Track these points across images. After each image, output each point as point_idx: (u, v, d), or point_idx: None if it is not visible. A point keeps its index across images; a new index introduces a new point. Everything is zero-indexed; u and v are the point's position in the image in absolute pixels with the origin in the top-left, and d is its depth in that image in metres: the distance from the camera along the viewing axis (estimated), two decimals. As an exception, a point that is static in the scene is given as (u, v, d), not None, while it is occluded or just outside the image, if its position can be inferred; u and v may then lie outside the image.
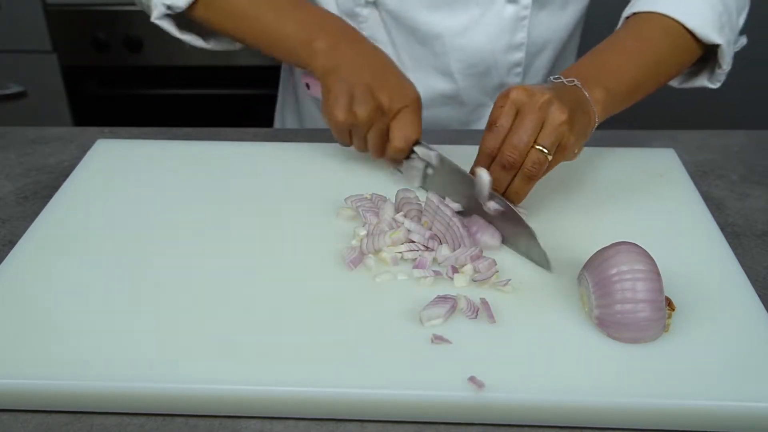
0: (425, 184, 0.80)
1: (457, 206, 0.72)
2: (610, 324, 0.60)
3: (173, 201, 0.78)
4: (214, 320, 0.62)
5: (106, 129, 0.97)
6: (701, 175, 0.88)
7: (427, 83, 1.00)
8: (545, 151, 0.68)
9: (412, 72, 0.99)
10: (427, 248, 0.70)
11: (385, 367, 0.57)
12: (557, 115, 0.68)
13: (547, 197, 0.76)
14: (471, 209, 0.72)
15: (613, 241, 0.62)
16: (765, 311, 0.63)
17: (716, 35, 0.81)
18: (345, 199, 0.76)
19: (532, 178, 0.69)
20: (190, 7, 0.84)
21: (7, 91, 1.74)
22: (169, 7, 0.85)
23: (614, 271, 0.60)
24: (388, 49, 0.98)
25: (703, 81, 0.88)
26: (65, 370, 0.57)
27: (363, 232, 0.71)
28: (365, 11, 0.96)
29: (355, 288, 0.66)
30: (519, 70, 0.99)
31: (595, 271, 0.61)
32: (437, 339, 0.60)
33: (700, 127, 1.02)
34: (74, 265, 0.68)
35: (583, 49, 1.08)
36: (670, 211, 0.77)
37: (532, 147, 0.68)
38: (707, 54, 0.85)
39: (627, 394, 0.55)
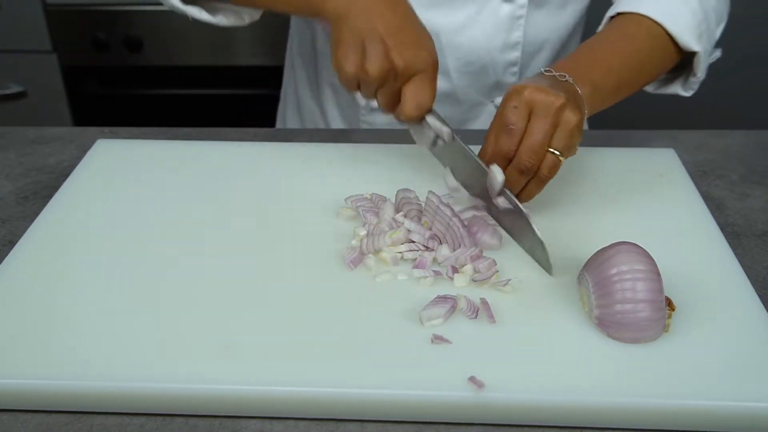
0: (434, 150, 0.77)
1: (455, 184, 0.72)
2: (610, 324, 0.60)
3: (173, 201, 0.78)
4: (214, 320, 0.62)
5: (106, 129, 0.97)
6: (701, 175, 0.88)
7: None
8: (558, 153, 0.68)
9: None
10: (427, 248, 0.70)
11: (385, 367, 0.57)
12: (571, 118, 0.68)
13: (547, 197, 0.76)
14: (472, 189, 0.73)
15: (613, 241, 0.62)
16: (765, 311, 0.63)
17: (695, 42, 0.81)
18: (345, 199, 0.76)
19: (545, 182, 0.70)
20: None
21: (7, 91, 1.74)
22: None
23: (614, 271, 0.60)
24: None
25: (677, 88, 0.89)
26: (65, 370, 0.57)
27: (363, 232, 0.71)
28: None
29: (355, 288, 0.66)
30: (515, 69, 0.99)
31: (595, 271, 0.61)
32: (437, 339, 0.60)
33: (700, 127, 1.02)
34: (74, 265, 0.68)
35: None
36: (670, 211, 0.77)
37: (547, 151, 0.68)
38: (683, 61, 0.85)
39: (627, 394, 0.55)
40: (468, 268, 0.67)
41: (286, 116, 1.15)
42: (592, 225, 0.74)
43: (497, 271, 0.66)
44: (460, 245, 0.68)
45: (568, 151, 0.69)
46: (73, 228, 0.74)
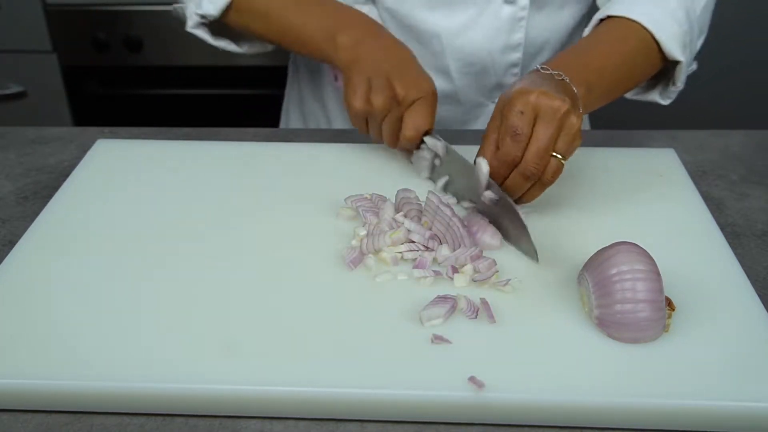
0: (433, 176, 0.81)
1: (452, 200, 0.74)
2: (610, 324, 0.60)
3: (173, 201, 0.78)
4: (214, 320, 0.62)
5: (106, 129, 0.97)
6: (701, 175, 0.88)
7: None
8: (560, 157, 0.69)
9: None
10: (427, 248, 0.70)
11: (385, 367, 0.57)
12: (574, 123, 0.69)
13: (547, 197, 0.76)
14: (465, 194, 0.74)
15: (613, 241, 0.62)
16: (765, 311, 0.63)
17: (680, 52, 0.82)
18: (345, 199, 0.76)
19: (548, 185, 0.71)
20: (223, 13, 0.88)
21: (7, 91, 1.73)
22: (202, 17, 0.89)
23: (614, 271, 0.60)
24: None
25: (654, 96, 0.90)
26: (65, 370, 0.57)
27: (363, 232, 0.71)
28: (364, 8, 0.96)
29: (355, 288, 0.66)
30: (516, 70, 0.99)
31: (595, 271, 0.61)
32: (437, 339, 0.60)
33: (700, 127, 1.02)
34: (74, 265, 0.68)
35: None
36: (670, 211, 0.77)
37: (551, 155, 0.69)
38: (662, 69, 0.86)
39: (627, 394, 0.55)
40: (468, 268, 0.67)
41: (289, 116, 1.16)
42: (592, 225, 0.74)
43: (497, 271, 0.66)
44: (460, 245, 0.68)
45: (569, 154, 0.70)
46: (73, 228, 0.74)
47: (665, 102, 0.90)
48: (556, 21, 0.99)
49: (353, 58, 0.81)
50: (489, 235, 0.71)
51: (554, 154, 0.69)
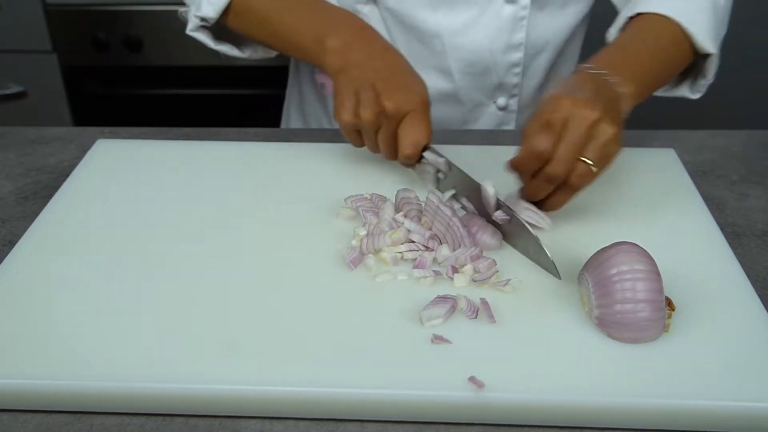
0: (439, 186, 0.80)
1: (457, 206, 0.73)
2: (610, 324, 0.60)
3: (173, 201, 0.78)
4: (214, 320, 0.62)
5: (106, 129, 0.97)
6: (701, 175, 0.88)
7: (426, 81, 1.00)
8: (591, 163, 0.67)
9: None
10: (427, 248, 0.70)
11: (385, 367, 0.57)
12: (606, 130, 0.67)
13: (547, 197, 0.76)
14: (481, 213, 0.73)
15: (613, 241, 0.62)
16: (765, 311, 0.63)
17: (711, 45, 0.82)
18: (345, 199, 0.76)
19: (574, 190, 0.69)
20: (223, 16, 0.86)
21: (7, 91, 1.73)
22: (202, 19, 0.87)
23: (614, 271, 0.60)
24: None
25: (684, 91, 0.90)
26: (65, 370, 0.57)
27: (363, 232, 0.71)
28: (365, 8, 0.97)
29: (355, 288, 0.66)
30: (518, 70, 0.99)
31: (595, 271, 0.61)
32: (437, 339, 0.60)
33: (700, 127, 1.02)
34: (74, 265, 0.68)
35: (586, 51, 1.08)
36: (670, 211, 0.77)
37: (579, 159, 0.67)
38: (690, 64, 0.86)
39: (627, 394, 0.55)
40: (468, 268, 0.67)
41: (290, 116, 1.16)
42: (592, 225, 0.74)
43: (497, 271, 0.66)
44: (460, 245, 0.68)
45: (602, 161, 0.68)
46: (73, 228, 0.74)
47: (695, 96, 0.90)
48: (558, 20, 0.99)
49: (341, 64, 0.78)
50: (489, 235, 0.71)
51: (584, 159, 0.67)
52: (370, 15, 0.97)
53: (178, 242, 0.72)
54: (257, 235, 0.73)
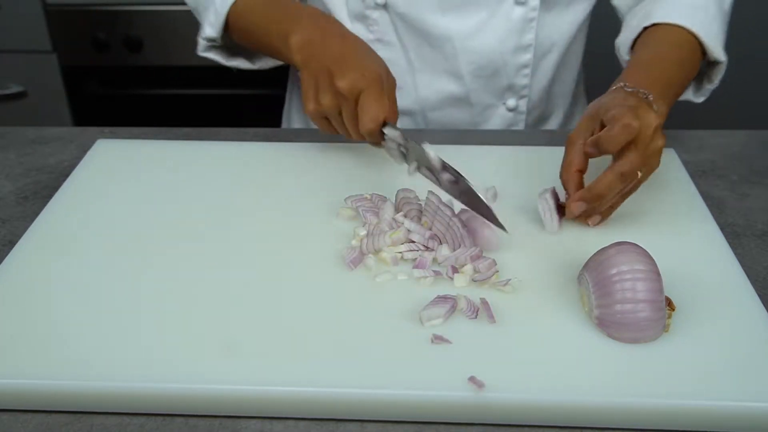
0: (407, 161, 0.78)
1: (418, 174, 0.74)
2: (610, 324, 0.60)
3: (173, 201, 0.78)
4: (214, 320, 0.62)
5: (106, 129, 0.97)
6: (701, 175, 0.88)
7: (436, 85, 1.00)
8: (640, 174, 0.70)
9: (422, 74, 1.00)
10: (427, 248, 0.70)
11: (385, 367, 0.57)
12: (659, 142, 0.70)
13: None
14: (445, 187, 0.74)
15: (613, 241, 0.62)
16: (765, 311, 0.63)
17: (722, 53, 0.85)
18: (345, 199, 0.76)
19: (624, 197, 0.72)
20: (225, 34, 0.89)
21: (7, 91, 1.74)
22: (209, 40, 0.90)
23: (614, 271, 0.60)
24: (397, 51, 0.99)
25: (689, 95, 0.92)
26: (65, 370, 0.57)
27: (363, 232, 0.71)
28: (375, 14, 0.97)
29: (355, 288, 0.66)
30: (527, 71, 1.00)
31: (595, 271, 0.61)
32: (437, 339, 0.60)
33: (700, 127, 1.02)
34: (74, 265, 0.68)
35: (587, 51, 1.08)
36: (670, 211, 0.77)
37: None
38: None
39: (627, 394, 0.55)
40: (468, 268, 0.67)
41: (291, 117, 1.16)
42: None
43: (497, 271, 0.66)
44: (460, 245, 0.68)
45: (648, 171, 0.71)
46: (73, 228, 0.74)
47: (699, 100, 0.92)
48: (564, 21, 0.99)
49: (303, 58, 0.79)
50: (489, 236, 0.70)
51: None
52: (380, 20, 0.97)
53: (178, 242, 0.72)
54: (257, 235, 0.73)
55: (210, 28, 0.88)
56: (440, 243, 0.70)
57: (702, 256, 0.70)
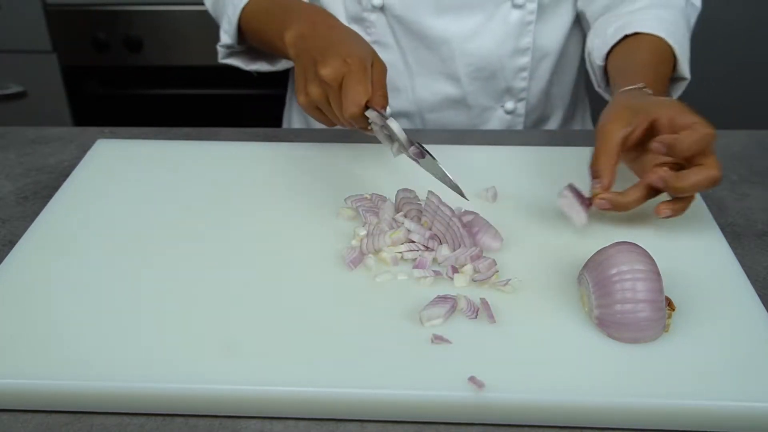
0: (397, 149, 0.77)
1: (400, 154, 0.74)
2: (610, 324, 0.60)
3: (173, 201, 0.78)
4: (214, 320, 0.62)
5: (106, 129, 0.97)
6: (701, 175, 0.88)
7: (434, 87, 1.00)
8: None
9: (419, 76, 1.00)
10: (427, 248, 0.70)
11: (385, 367, 0.57)
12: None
13: (548, 197, 0.76)
14: (424, 166, 0.73)
15: (613, 241, 0.62)
16: (765, 311, 0.63)
17: (688, 70, 0.87)
18: (345, 199, 0.76)
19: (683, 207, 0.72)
20: (241, 39, 0.92)
21: (7, 91, 1.74)
22: (228, 47, 0.93)
23: (614, 271, 0.60)
24: (395, 54, 0.99)
25: None
26: (65, 370, 0.57)
27: (363, 232, 0.71)
28: (372, 16, 0.97)
29: (355, 288, 0.66)
30: (525, 74, 1.00)
31: (595, 271, 0.61)
32: (437, 339, 0.60)
33: (700, 127, 1.02)
34: (74, 265, 0.68)
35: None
36: (670, 211, 0.77)
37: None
38: None
39: (627, 394, 0.55)
40: (468, 268, 0.67)
41: (292, 117, 1.16)
42: (592, 225, 0.74)
43: (497, 271, 0.66)
44: (460, 245, 0.68)
45: None
46: (73, 228, 0.74)
47: None
48: (557, 24, 0.99)
49: (296, 53, 0.79)
50: (490, 237, 0.71)
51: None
52: (378, 22, 0.97)
53: (178, 242, 0.72)
54: (257, 235, 0.73)
55: (225, 35, 0.91)
56: (440, 243, 0.70)
57: (702, 256, 0.70)
